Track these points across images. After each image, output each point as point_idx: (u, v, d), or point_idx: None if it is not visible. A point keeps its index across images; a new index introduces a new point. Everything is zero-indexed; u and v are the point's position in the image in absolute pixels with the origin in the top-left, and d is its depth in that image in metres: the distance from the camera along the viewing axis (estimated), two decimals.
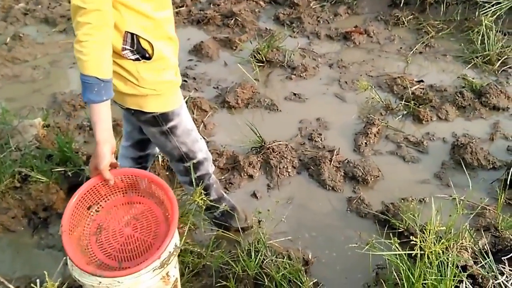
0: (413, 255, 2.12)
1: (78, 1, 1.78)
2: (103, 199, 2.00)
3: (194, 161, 2.35)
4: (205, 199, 2.29)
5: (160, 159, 3.05)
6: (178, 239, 1.95)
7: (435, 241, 2.10)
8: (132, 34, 1.93)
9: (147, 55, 1.98)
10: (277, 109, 3.74)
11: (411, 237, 2.09)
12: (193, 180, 2.33)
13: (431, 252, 2.05)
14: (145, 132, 2.31)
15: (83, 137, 3.50)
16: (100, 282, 1.72)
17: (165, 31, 2.05)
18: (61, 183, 2.92)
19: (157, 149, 2.65)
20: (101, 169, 1.90)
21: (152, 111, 2.12)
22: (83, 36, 1.78)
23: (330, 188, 2.99)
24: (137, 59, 1.97)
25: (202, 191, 2.32)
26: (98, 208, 1.99)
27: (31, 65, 4.48)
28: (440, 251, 2.08)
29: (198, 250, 2.41)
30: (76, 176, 2.95)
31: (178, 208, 1.91)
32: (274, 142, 3.26)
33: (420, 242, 2.03)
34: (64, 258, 1.81)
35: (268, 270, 2.25)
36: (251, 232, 2.61)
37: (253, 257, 2.29)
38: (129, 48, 1.94)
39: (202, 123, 3.55)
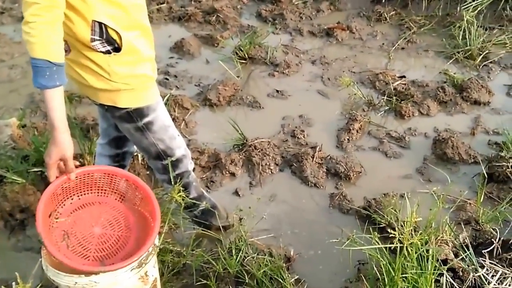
0: (392, 248, 2.13)
1: None
2: (59, 204, 1.91)
3: (173, 158, 2.31)
4: (184, 196, 2.26)
5: (140, 158, 3.02)
6: (157, 238, 1.94)
7: (413, 234, 2.11)
8: (100, 23, 1.85)
9: (116, 46, 1.92)
10: (260, 106, 3.73)
11: (389, 230, 2.10)
12: (172, 178, 2.30)
13: (410, 244, 2.05)
14: (120, 129, 2.27)
15: None
16: (76, 283, 1.69)
17: (136, 19, 1.97)
18: (38, 184, 2.86)
19: (134, 147, 2.60)
20: (68, 157, 1.81)
21: (125, 106, 2.07)
22: (31, 17, 1.67)
23: (313, 185, 2.99)
24: (107, 52, 1.91)
25: (181, 189, 2.28)
26: (56, 215, 1.89)
27: (8, 65, 4.40)
28: (419, 244, 2.08)
29: (178, 249, 2.39)
30: None
31: (159, 208, 1.90)
32: (256, 140, 3.25)
33: (399, 234, 2.04)
34: (40, 259, 1.77)
35: (250, 268, 2.24)
36: (232, 230, 2.60)
37: (234, 255, 2.28)
38: (98, 38, 1.88)
39: (184, 121, 3.53)
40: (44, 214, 1.79)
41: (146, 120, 2.14)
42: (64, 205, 1.91)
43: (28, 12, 1.67)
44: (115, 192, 1.99)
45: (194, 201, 2.47)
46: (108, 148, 2.55)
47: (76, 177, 1.87)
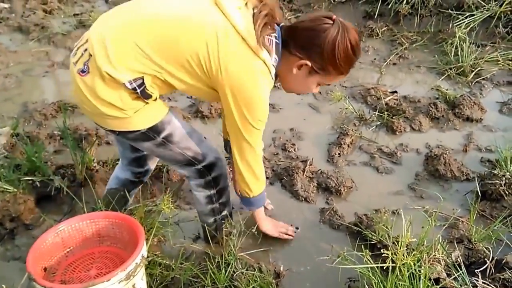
0: (384, 268, 2.09)
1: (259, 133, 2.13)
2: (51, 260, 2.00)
3: (205, 162, 2.23)
4: (173, 207, 2.32)
5: None
6: (146, 250, 1.90)
7: (407, 254, 2.07)
8: (143, 83, 1.88)
9: (146, 97, 1.93)
10: None
11: (382, 250, 2.07)
12: (209, 181, 2.31)
13: (403, 264, 2.02)
14: (139, 148, 2.25)
15: (53, 147, 3.42)
16: None
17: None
18: (29, 193, 2.83)
19: (154, 164, 2.60)
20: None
21: (137, 129, 2.02)
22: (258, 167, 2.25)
23: (303, 199, 2.94)
24: (134, 89, 1.87)
25: (214, 193, 2.34)
26: (53, 271, 1.99)
27: (3, 74, 4.42)
28: (412, 263, 2.05)
29: (167, 263, 2.34)
30: (44, 186, 2.87)
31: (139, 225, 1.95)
32: None
33: (392, 254, 2.00)
34: (28, 272, 1.76)
35: (239, 283, 2.19)
36: (222, 244, 2.52)
37: (223, 270, 2.24)
38: (132, 87, 1.87)
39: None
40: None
41: (164, 134, 2.08)
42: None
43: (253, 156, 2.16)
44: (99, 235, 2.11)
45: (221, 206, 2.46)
46: (129, 168, 2.52)
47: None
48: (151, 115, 2.02)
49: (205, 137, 2.29)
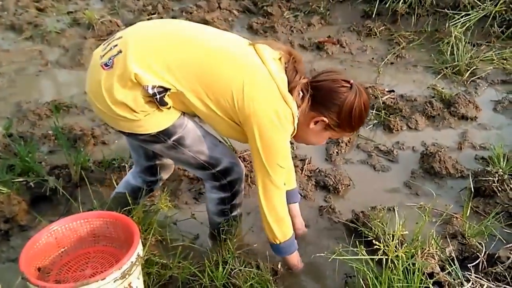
0: (377, 260, 2.15)
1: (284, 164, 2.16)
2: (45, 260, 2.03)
3: (219, 167, 2.25)
4: (170, 205, 2.37)
5: None
6: (141, 249, 1.93)
7: (399, 246, 2.14)
8: (165, 91, 1.94)
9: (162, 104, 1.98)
10: None
11: (375, 241, 2.13)
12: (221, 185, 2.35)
13: (396, 257, 2.08)
14: (151, 149, 2.28)
15: (48, 147, 3.42)
16: None
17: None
18: (23, 194, 2.83)
19: (167, 175, 2.62)
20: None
21: (147, 132, 2.05)
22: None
23: (302, 197, 2.98)
24: (153, 95, 1.92)
25: (228, 195, 2.37)
26: (48, 271, 2.00)
27: None
28: (405, 257, 2.10)
29: (164, 262, 2.35)
30: (38, 187, 2.87)
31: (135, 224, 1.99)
32: (245, 152, 3.25)
33: (384, 246, 2.06)
34: (22, 272, 1.78)
35: (236, 281, 2.23)
36: (220, 243, 2.54)
37: (221, 268, 2.27)
38: (153, 92, 1.92)
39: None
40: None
41: (175, 137, 2.10)
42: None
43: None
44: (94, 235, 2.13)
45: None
46: (142, 176, 2.53)
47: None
48: (162, 119, 2.04)
49: (220, 141, 2.32)
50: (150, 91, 1.89)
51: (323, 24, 5.40)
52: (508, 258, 2.36)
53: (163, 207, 2.28)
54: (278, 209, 2.22)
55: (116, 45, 1.96)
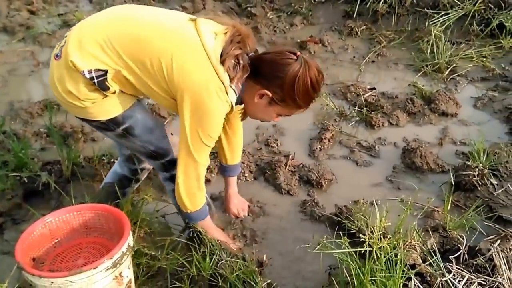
0: (361, 252, 2.17)
1: (206, 148, 2.12)
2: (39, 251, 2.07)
3: (168, 158, 2.31)
4: (153, 196, 2.47)
5: None
6: (132, 240, 1.96)
7: (382, 238, 2.16)
8: (104, 75, 1.96)
9: (104, 88, 1.99)
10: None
11: (358, 233, 2.15)
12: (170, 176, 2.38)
13: (379, 248, 2.10)
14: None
15: (39, 144, 3.46)
16: (52, 283, 1.73)
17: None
18: (17, 189, 2.88)
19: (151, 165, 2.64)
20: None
21: (96, 119, 2.10)
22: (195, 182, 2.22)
23: (286, 192, 3.02)
24: (91, 79, 1.94)
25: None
26: (42, 261, 2.05)
27: None
28: (388, 247, 2.13)
29: (153, 253, 2.41)
30: (31, 182, 2.91)
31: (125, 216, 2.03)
32: None
33: (368, 239, 2.08)
34: (18, 262, 1.81)
35: (223, 271, 2.26)
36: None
37: (208, 259, 2.30)
38: (91, 76, 1.94)
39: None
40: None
41: (123, 126, 2.14)
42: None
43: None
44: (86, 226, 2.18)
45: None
46: (127, 164, 2.60)
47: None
48: (110, 108, 2.08)
49: (172, 133, 2.35)
50: (87, 76, 1.93)
51: (306, 24, 5.44)
52: (489, 250, 2.38)
53: (147, 197, 2.38)
54: (194, 184, 2.22)
55: (66, 36, 2.05)
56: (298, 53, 2.03)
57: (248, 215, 2.83)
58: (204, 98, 1.95)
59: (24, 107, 3.86)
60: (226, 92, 1.99)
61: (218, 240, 2.39)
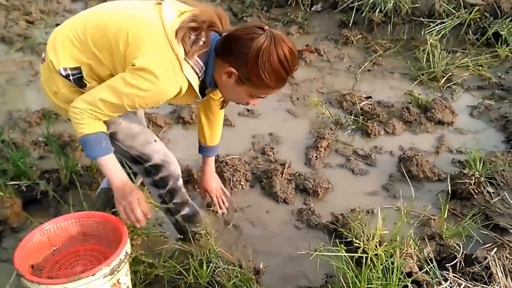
0: (359, 261, 2.17)
1: (120, 104, 1.94)
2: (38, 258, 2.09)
3: (151, 163, 2.31)
4: (153, 202, 2.41)
5: None
6: (129, 247, 1.97)
7: (378, 245, 2.16)
8: (80, 73, 2.00)
9: (81, 85, 2.03)
10: (231, 125, 3.77)
11: (355, 240, 2.15)
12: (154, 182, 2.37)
13: (375, 255, 2.10)
14: None
15: (38, 153, 3.46)
16: None
17: None
18: (16, 197, 2.87)
19: None
20: (141, 197, 2.10)
21: None
22: (89, 112, 1.96)
23: (282, 200, 3.02)
24: (67, 76, 2.00)
25: (165, 192, 2.39)
26: (41, 269, 2.06)
27: None
28: (384, 256, 2.13)
29: (151, 261, 2.41)
30: (30, 190, 2.92)
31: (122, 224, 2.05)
32: (227, 156, 3.28)
33: (364, 245, 2.08)
34: (17, 269, 1.82)
35: (220, 279, 2.26)
36: (203, 242, 2.59)
37: (205, 267, 2.30)
38: (66, 73, 2.00)
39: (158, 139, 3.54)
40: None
41: (108, 131, 2.13)
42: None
43: (91, 107, 1.95)
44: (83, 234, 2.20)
45: (176, 207, 2.51)
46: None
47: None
48: None
49: (155, 140, 2.36)
50: (63, 73, 1.99)
51: (301, 33, 5.45)
52: (485, 258, 2.39)
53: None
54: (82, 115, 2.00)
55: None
56: (266, 27, 1.92)
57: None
58: (151, 65, 1.87)
59: (23, 116, 3.86)
60: (181, 66, 1.92)
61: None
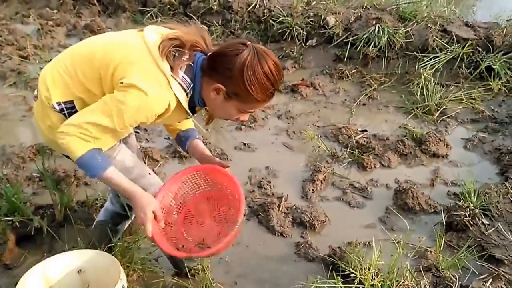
0: None
1: (109, 122, 1.94)
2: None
3: None
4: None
5: None
6: (126, 282, 1.97)
7: (375, 276, 2.17)
8: (74, 107, 2.05)
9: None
10: (227, 158, 3.80)
11: (352, 272, 2.16)
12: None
13: (372, 286, 2.11)
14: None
15: (32, 189, 3.44)
16: None
17: None
18: (9, 233, 2.83)
19: None
20: (157, 209, 2.13)
21: (74, 157, 2.05)
22: (77, 134, 1.96)
23: (279, 234, 3.03)
24: (61, 110, 2.04)
25: None
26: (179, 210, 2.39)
27: None
28: (380, 286, 2.14)
29: None
30: (24, 227, 2.88)
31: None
32: None
33: (360, 275, 2.10)
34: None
35: None
36: (200, 277, 2.59)
37: None
38: (60, 109, 2.04)
39: (153, 172, 3.56)
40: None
41: None
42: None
43: (80, 131, 1.96)
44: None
45: None
46: (118, 200, 2.62)
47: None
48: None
49: (149, 173, 2.37)
50: (57, 108, 2.03)
51: (297, 68, 5.51)
52: None
53: (140, 237, 2.41)
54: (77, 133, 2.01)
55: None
56: (249, 43, 1.97)
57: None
58: (139, 81, 1.90)
59: (16, 151, 3.83)
60: (168, 82, 1.96)
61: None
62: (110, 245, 2.53)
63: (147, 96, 1.90)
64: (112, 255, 2.28)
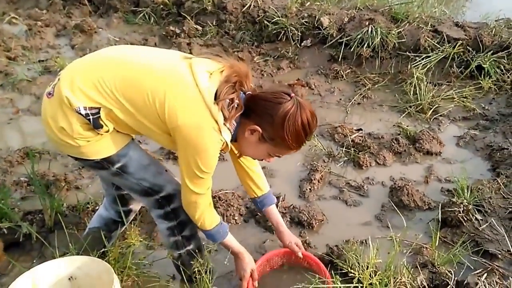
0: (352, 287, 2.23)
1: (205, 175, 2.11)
2: None
3: (162, 194, 2.28)
4: (142, 239, 2.43)
5: None
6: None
7: (373, 274, 2.22)
8: (98, 113, 2.00)
9: (97, 124, 2.02)
10: (223, 159, 3.77)
11: (350, 270, 2.21)
12: (167, 213, 2.36)
13: (370, 284, 2.16)
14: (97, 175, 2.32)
15: (20, 193, 3.41)
16: None
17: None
18: None
19: (139, 206, 2.65)
20: (254, 268, 2.52)
21: (90, 158, 2.11)
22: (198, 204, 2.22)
23: None
24: (86, 115, 1.97)
25: (175, 224, 2.38)
26: None
27: None
28: (378, 284, 2.19)
29: None
30: (12, 233, 2.86)
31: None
32: (220, 191, 3.33)
33: (359, 274, 2.14)
34: None
35: None
36: (198, 281, 2.51)
37: None
38: (86, 113, 1.98)
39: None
40: None
41: (118, 165, 2.16)
42: None
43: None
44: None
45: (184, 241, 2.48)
46: (113, 207, 2.58)
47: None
48: (104, 147, 2.10)
49: (166, 170, 2.38)
50: (83, 112, 1.96)
51: (292, 68, 5.54)
52: (476, 284, 2.47)
53: (134, 241, 2.34)
54: (196, 210, 2.24)
55: (59, 75, 2.09)
56: (293, 95, 2.05)
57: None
58: (196, 136, 1.97)
59: (3, 155, 3.80)
60: (220, 131, 2.00)
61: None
62: (103, 250, 2.49)
63: (207, 152, 2.03)
64: (105, 260, 2.27)
